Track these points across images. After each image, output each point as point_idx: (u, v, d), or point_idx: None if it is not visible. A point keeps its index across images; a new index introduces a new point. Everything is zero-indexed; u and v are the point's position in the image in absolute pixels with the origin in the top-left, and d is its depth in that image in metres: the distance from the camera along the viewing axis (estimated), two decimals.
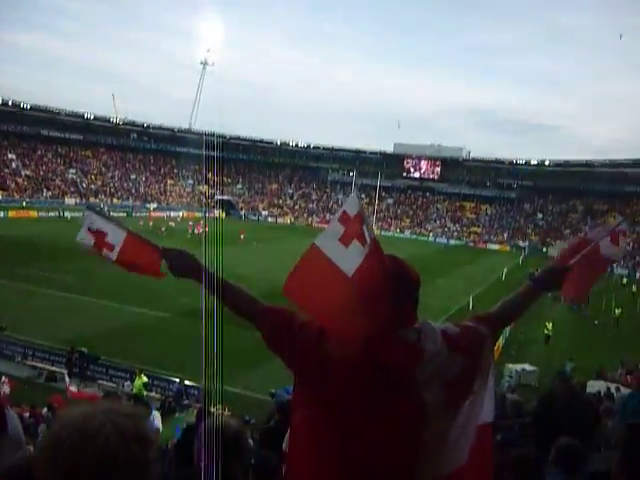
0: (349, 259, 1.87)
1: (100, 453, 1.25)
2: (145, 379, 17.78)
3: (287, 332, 2.11)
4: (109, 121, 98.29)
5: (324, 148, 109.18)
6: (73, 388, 18.12)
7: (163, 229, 57.37)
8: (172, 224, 63.97)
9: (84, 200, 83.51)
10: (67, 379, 18.78)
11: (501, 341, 27.78)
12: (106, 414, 1.33)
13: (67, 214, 68.24)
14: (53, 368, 19.91)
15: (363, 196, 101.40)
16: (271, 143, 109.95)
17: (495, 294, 43.19)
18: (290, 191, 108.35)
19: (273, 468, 3.47)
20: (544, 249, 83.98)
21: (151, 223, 60.96)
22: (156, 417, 12.26)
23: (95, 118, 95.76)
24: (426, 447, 1.85)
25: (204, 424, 2.78)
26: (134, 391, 17.53)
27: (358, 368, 1.86)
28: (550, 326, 30.20)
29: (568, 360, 24.95)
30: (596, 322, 34.65)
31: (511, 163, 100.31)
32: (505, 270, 53.11)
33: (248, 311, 2.25)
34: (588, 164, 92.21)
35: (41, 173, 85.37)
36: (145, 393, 17.62)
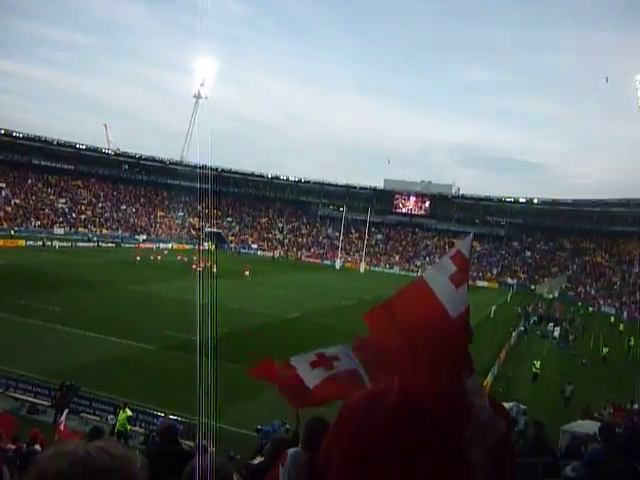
0: (457, 301, 1.84)
1: None
2: (129, 413, 17.50)
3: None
4: (101, 152, 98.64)
5: (314, 183, 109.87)
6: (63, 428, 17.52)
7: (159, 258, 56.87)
8: (182, 257, 62.95)
9: (73, 230, 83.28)
10: (63, 416, 18.14)
11: (489, 378, 27.68)
12: (97, 457, 1.31)
13: (55, 243, 67.89)
14: (35, 400, 19.58)
15: (353, 231, 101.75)
16: (262, 177, 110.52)
17: (483, 331, 43.20)
18: (280, 225, 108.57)
19: None
20: (532, 287, 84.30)
21: (138, 257, 60.55)
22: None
23: (87, 148, 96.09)
24: None
25: (198, 462, 2.75)
26: (117, 425, 17.24)
27: (398, 418, 1.76)
28: (538, 364, 30.12)
29: (567, 383, 25.01)
30: (584, 360, 34.62)
31: (500, 200, 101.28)
32: (493, 307, 53.20)
33: None
34: (575, 203, 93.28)
35: (31, 202, 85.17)
36: (129, 427, 17.35)
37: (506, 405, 23.03)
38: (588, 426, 16.65)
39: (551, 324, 47.58)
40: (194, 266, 51.66)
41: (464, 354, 1.81)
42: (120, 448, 1.42)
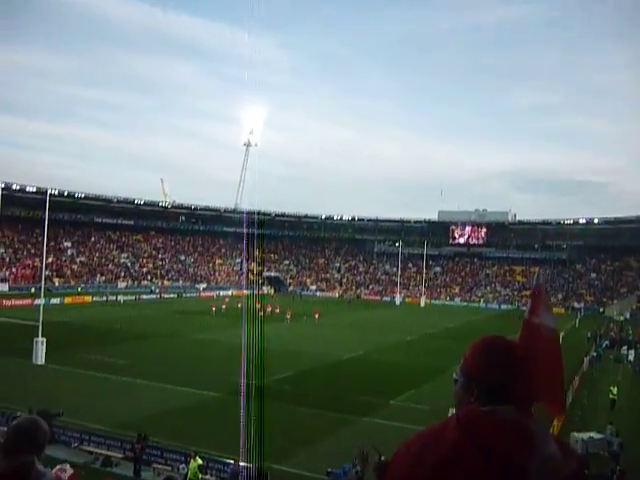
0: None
1: None
2: (200, 461, 17.57)
3: None
4: (158, 205, 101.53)
5: (368, 220, 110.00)
6: None
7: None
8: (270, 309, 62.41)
9: (136, 283, 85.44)
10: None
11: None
12: None
13: (120, 298, 69.76)
14: (109, 453, 19.91)
15: (410, 265, 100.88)
16: (316, 218, 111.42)
17: None
18: (337, 264, 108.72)
19: None
20: (601, 309, 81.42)
21: (214, 308, 61.43)
22: None
23: (145, 203, 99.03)
24: None
25: None
26: (189, 474, 17.33)
27: (457, 454, 1.68)
28: (615, 390, 28.87)
29: (609, 424, 23.80)
30: None
31: (558, 223, 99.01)
32: (562, 334, 51.52)
33: None
34: (638, 219, 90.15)
35: (95, 259, 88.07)
36: (200, 476, 17.40)
37: (597, 432, 22.35)
38: None
39: (625, 347, 45.67)
40: (261, 311, 52.14)
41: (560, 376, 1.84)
42: None
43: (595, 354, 43.24)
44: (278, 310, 58.38)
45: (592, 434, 22.58)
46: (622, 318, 72.10)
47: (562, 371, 1.84)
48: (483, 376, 1.80)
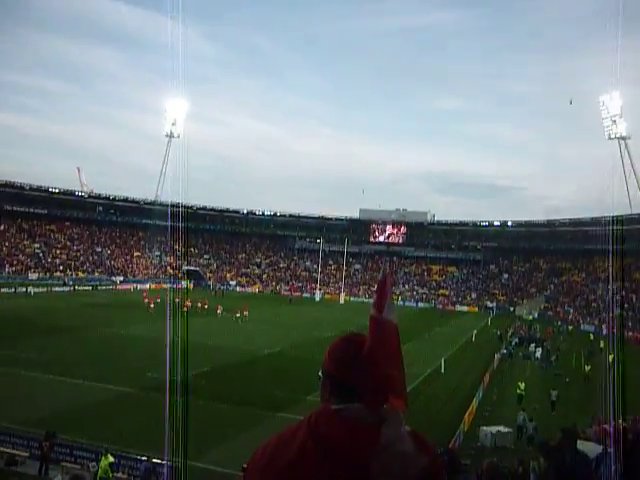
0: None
1: None
2: (111, 459, 17.09)
3: None
4: (74, 195, 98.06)
5: (290, 216, 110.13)
6: None
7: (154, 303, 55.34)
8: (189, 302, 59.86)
9: (48, 274, 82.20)
10: (59, 477, 17.49)
11: (475, 403, 27.62)
12: None
13: (30, 289, 66.83)
14: (14, 451, 19.06)
15: (331, 262, 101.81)
16: (237, 212, 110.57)
17: (466, 356, 43.27)
18: (258, 260, 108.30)
19: None
20: (512, 308, 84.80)
21: (152, 304, 59.59)
22: None
23: (60, 192, 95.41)
24: None
25: None
26: (100, 472, 16.84)
27: (303, 455, 1.68)
28: (522, 386, 30.12)
29: (521, 410, 25.16)
30: (567, 380, 34.71)
31: (475, 225, 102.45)
32: (475, 331, 53.38)
33: None
34: (549, 223, 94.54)
35: (4, 248, 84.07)
36: (111, 474, 16.94)
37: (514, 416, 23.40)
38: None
39: (532, 345, 47.74)
40: (185, 307, 50.43)
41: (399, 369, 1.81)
42: None
43: (505, 351, 44.97)
44: (207, 306, 57.42)
45: (500, 428, 23.48)
46: (531, 317, 75.32)
47: (402, 365, 1.84)
48: (334, 374, 1.81)
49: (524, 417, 24.24)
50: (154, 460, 17.66)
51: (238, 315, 53.06)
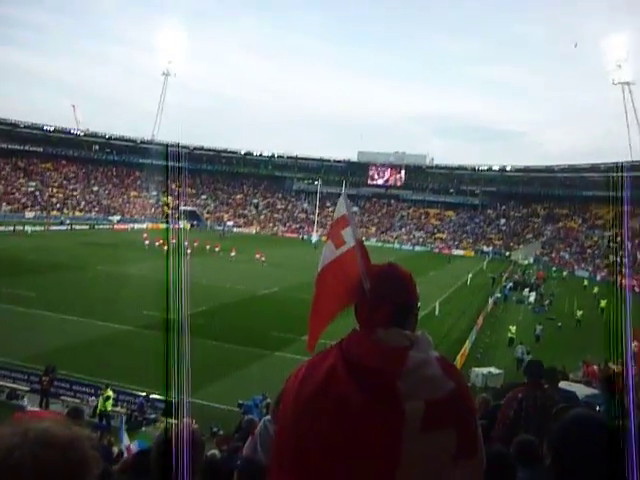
0: (323, 256, 2.10)
1: None
2: (110, 394, 17.46)
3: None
4: (70, 133, 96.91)
5: (288, 157, 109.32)
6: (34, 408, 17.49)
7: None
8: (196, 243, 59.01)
9: (44, 213, 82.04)
10: (26, 401, 18.15)
11: (467, 345, 28.09)
12: (34, 446, 1.18)
13: (27, 228, 66.79)
14: (14, 385, 19.41)
15: (328, 204, 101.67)
16: (235, 153, 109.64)
17: (460, 299, 43.73)
18: (255, 201, 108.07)
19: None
20: (507, 253, 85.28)
21: (147, 241, 59.38)
22: (124, 433, 12.14)
23: (55, 130, 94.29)
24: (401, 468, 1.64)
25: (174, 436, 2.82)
26: (99, 406, 17.23)
27: (333, 374, 1.75)
28: (514, 329, 30.62)
29: (520, 344, 26.06)
30: (560, 324, 35.21)
31: (473, 169, 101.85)
32: (470, 275, 53.79)
33: None
34: (548, 169, 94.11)
35: None
36: (111, 408, 17.33)
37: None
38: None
39: (526, 289, 48.26)
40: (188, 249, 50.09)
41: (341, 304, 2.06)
42: (69, 433, 1.27)
43: (500, 295, 45.48)
44: (218, 248, 57.30)
45: (491, 369, 23.96)
46: (526, 262, 75.85)
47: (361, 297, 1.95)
48: (374, 300, 1.90)
49: (522, 350, 25.60)
50: (152, 395, 18.08)
51: (261, 258, 53.40)
